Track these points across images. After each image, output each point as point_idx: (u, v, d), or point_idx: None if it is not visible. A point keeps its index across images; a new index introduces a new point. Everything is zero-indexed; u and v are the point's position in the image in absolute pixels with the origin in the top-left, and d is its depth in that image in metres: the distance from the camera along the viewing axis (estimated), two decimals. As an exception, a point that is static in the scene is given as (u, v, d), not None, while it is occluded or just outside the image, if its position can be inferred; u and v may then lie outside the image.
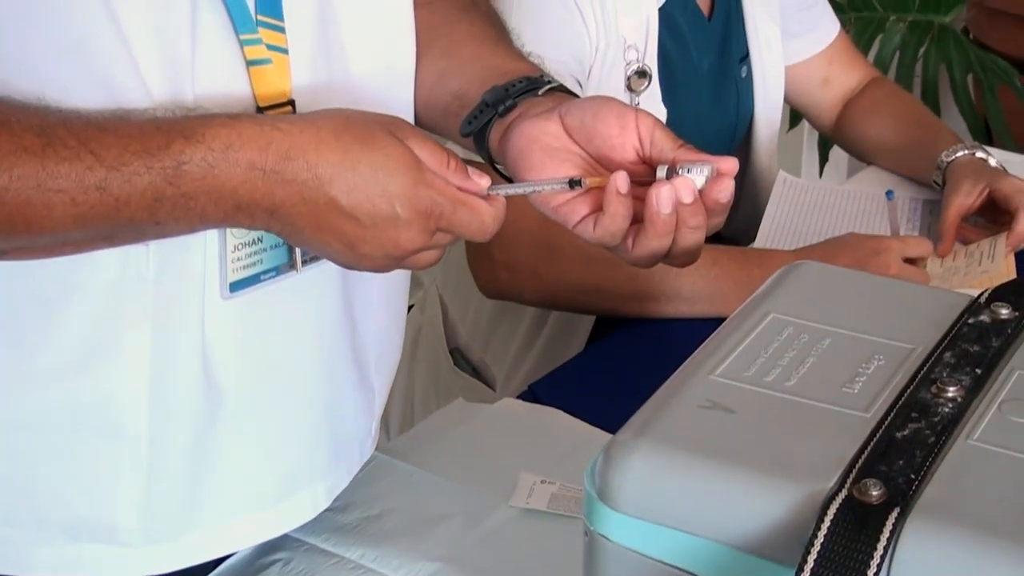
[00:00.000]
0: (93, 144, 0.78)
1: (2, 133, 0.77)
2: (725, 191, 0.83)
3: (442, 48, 1.01)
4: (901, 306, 0.82)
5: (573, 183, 0.85)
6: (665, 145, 0.86)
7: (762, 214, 1.66)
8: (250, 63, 0.88)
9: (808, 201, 1.67)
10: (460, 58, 0.98)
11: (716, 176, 0.83)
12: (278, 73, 0.90)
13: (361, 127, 0.82)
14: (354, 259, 0.85)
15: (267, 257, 0.93)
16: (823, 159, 2.71)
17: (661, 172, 0.83)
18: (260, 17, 0.88)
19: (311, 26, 0.92)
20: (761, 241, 1.60)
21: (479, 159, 0.95)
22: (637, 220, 0.85)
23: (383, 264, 0.85)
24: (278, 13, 0.90)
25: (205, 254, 0.90)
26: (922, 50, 2.74)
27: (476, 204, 0.84)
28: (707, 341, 0.80)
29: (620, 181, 0.83)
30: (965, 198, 1.53)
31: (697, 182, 0.82)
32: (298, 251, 0.93)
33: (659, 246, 0.84)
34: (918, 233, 1.60)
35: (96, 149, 0.78)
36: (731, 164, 0.83)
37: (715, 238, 1.76)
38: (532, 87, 0.93)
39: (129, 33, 0.83)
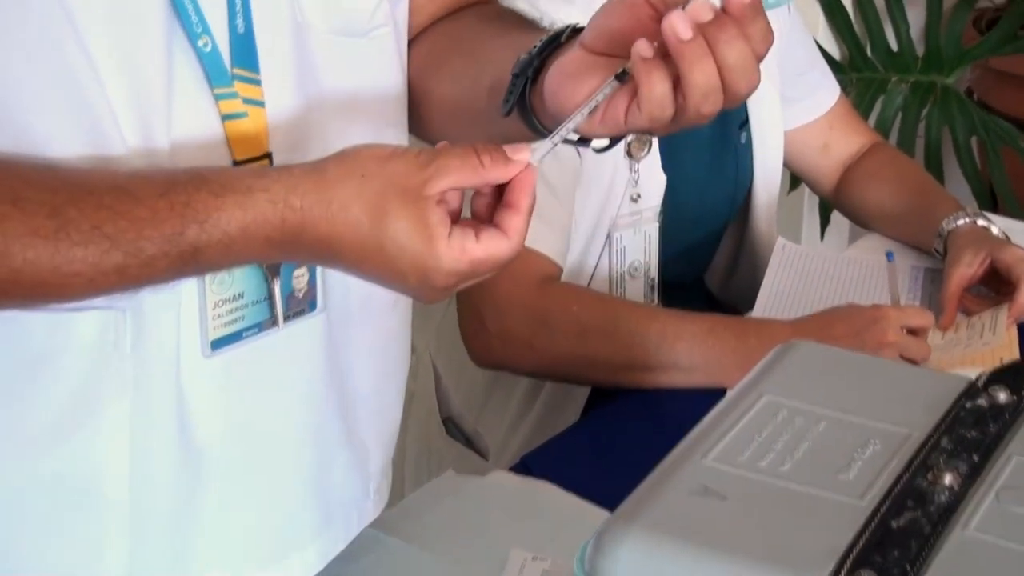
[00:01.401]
0: (108, 227, 0.79)
1: (13, 214, 0.78)
2: None
3: (470, 54, 1.01)
4: (897, 388, 0.83)
5: (619, 76, 0.81)
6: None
7: (761, 280, 1.67)
8: (225, 117, 0.90)
9: (808, 268, 1.68)
10: (489, 57, 0.97)
11: None
12: (254, 127, 0.91)
13: (374, 193, 0.81)
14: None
15: (249, 313, 0.94)
16: (824, 222, 2.72)
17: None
18: (236, 70, 0.90)
19: (290, 78, 0.93)
20: (760, 309, 1.61)
21: None
22: None
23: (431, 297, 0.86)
24: (254, 65, 0.91)
25: (185, 313, 0.91)
26: (925, 112, 2.76)
27: (495, 249, 0.82)
28: (700, 423, 0.80)
29: (640, 46, 0.79)
30: (966, 268, 1.54)
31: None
32: (280, 306, 0.94)
33: (704, 79, 0.78)
34: (919, 302, 1.60)
35: (111, 233, 0.79)
36: None
37: (712, 305, 1.81)
38: (553, 39, 0.89)
39: (107, 83, 0.84)
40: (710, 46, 0.77)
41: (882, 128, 2.74)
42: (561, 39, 0.89)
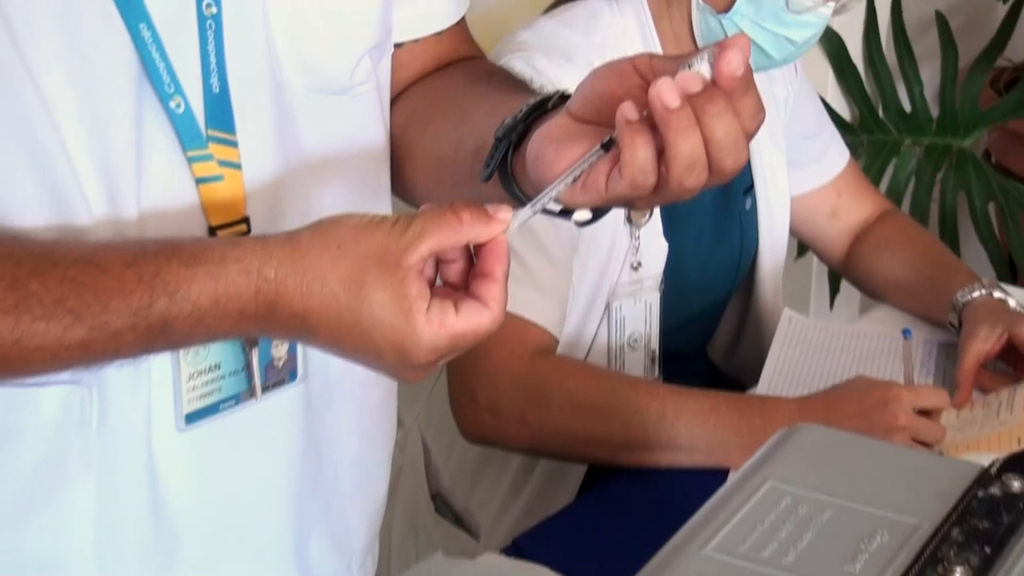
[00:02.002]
0: (71, 301, 0.79)
1: None
2: (733, 61, 0.77)
3: (455, 114, 1.02)
4: (907, 476, 0.83)
5: (605, 145, 0.82)
6: (667, 65, 0.81)
7: (766, 353, 1.67)
8: (200, 181, 0.90)
9: (816, 341, 1.68)
10: (475, 119, 0.97)
11: (720, 50, 0.78)
12: (230, 190, 0.91)
13: (350, 265, 0.81)
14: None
15: (226, 384, 0.94)
16: (834, 290, 2.72)
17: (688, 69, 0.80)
18: (211, 132, 0.90)
19: (268, 138, 0.94)
20: (764, 385, 1.61)
21: None
22: None
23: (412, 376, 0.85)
24: (230, 126, 0.91)
25: (157, 387, 0.91)
26: (939, 175, 2.77)
27: (476, 322, 0.82)
28: (700, 510, 0.80)
29: (626, 109, 0.79)
30: (983, 344, 1.54)
31: (702, 71, 0.78)
32: (258, 377, 0.94)
33: (689, 150, 0.78)
34: (932, 379, 1.61)
35: (75, 307, 0.79)
36: (736, 39, 0.78)
37: (715, 378, 1.81)
38: (539, 105, 0.90)
39: (71, 148, 0.84)
40: (698, 118, 0.78)
41: (895, 192, 2.75)
42: (548, 105, 0.89)
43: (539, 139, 0.85)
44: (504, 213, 0.82)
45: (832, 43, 2.64)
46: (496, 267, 0.82)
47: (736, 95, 0.78)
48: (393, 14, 1.03)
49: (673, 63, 0.79)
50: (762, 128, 1.36)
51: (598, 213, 0.87)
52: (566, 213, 0.87)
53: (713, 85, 0.78)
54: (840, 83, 2.74)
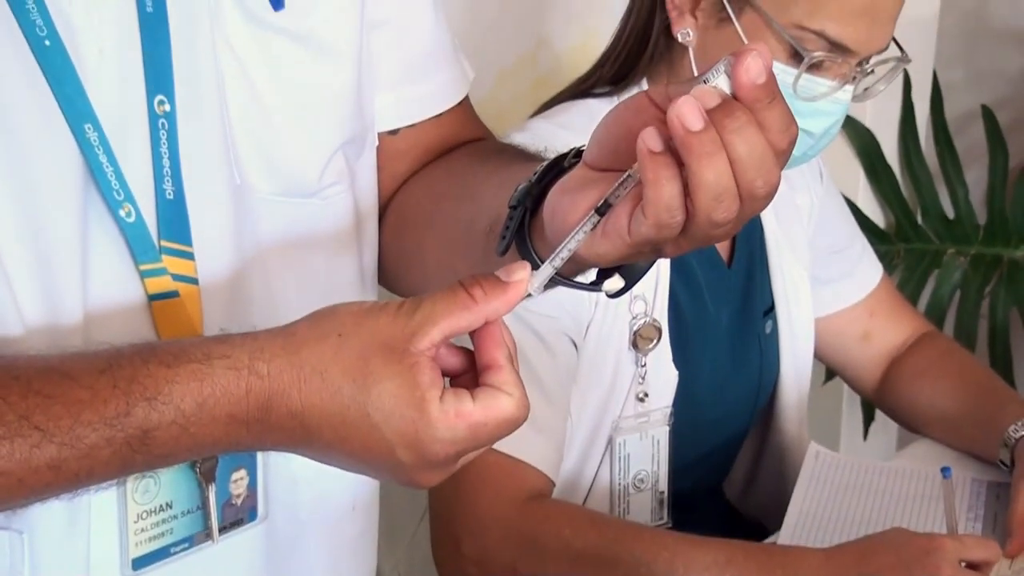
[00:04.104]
0: (37, 417, 0.79)
1: None
2: (752, 68, 0.76)
3: (465, 195, 1.04)
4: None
5: (598, 210, 0.82)
6: (684, 89, 0.79)
7: (789, 493, 1.67)
8: (152, 297, 0.92)
9: (846, 481, 1.69)
10: (486, 195, 0.99)
11: (736, 59, 0.77)
12: (185, 308, 0.93)
13: (353, 354, 0.82)
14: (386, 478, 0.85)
15: (178, 526, 0.95)
16: (868, 419, 2.72)
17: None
18: (164, 243, 0.92)
19: (227, 249, 0.96)
20: (788, 530, 1.61)
21: None
22: None
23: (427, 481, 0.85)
24: (186, 237, 0.93)
25: (99, 530, 0.92)
26: (988, 289, 2.77)
27: (497, 408, 0.82)
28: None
29: (647, 136, 0.78)
30: None
31: (720, 85, 0.78)
32: (215, 517, 0.95)
33: (715, 177, 0.77)
34: (981, 524, 1.61)
35: (42, 423, 0.79)
36: (754, 45, 0.77)
37: (733, 521, 1.80)
38: (554, 165, 0.90)
39: (6, 261, 0.86)
40: (720, 136, 0.76)
41: (937, 308, 2.77)
42: (564, 163, 0.90)
43: (554, 194, 0.86)
44: (519, 273, 0.83)
45: (863, 140, 2.66)
46: (497, 354, 0.83)
47: (759, 107, 0.77)
48: (374, 103, 1.07)
49: (689, 86, 0.78)
50: (783, 243, 1.38)
51: (630, 281, 0.88)
52: (595, 284, 0.88)
53: (732, 98, 0.77)
54: (873, 185, 2.74)
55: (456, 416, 0.81)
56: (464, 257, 1.00)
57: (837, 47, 1.49)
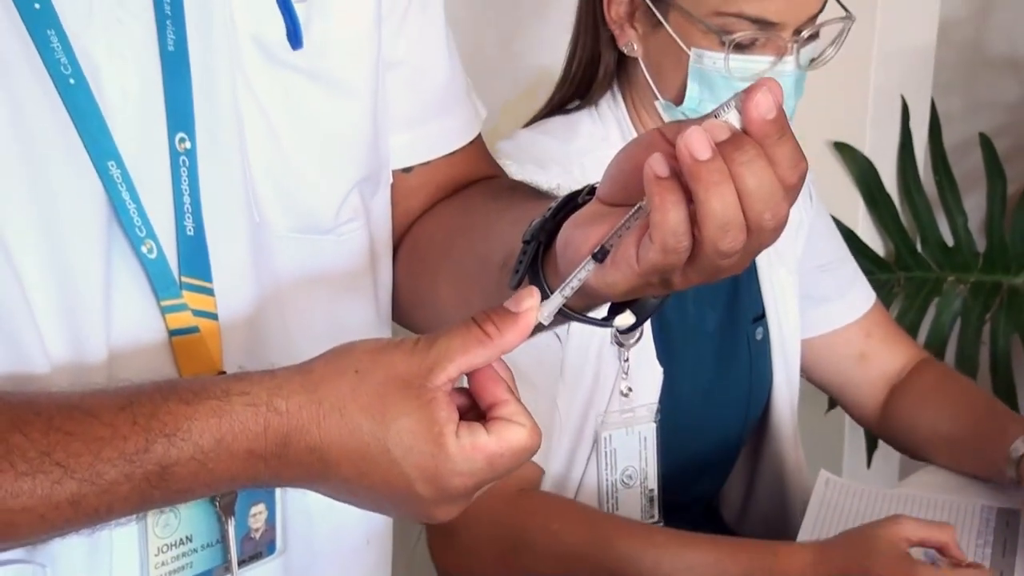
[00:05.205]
0: (58, 454, 0.80)
1: None
2: (762, 103, 0.78)
3: (479, 232, 1.05)
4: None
5: (596, 256, 0.84)
6: (695, 125, 0.81)
7: (784, 513, 1.70)
8: (173, 333, 0.93)
9: (855, 508, 1.69)
10: (500, 231, 1.00)
11: (747, 95, 0.79)
12: (206, 343, 0.94)
13: (371, 391, 0.83)
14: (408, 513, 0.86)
15: (198, 559, 0.96)
16: (871, 447, 2.73)
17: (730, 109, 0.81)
18: (185, 279, 0.94)
19: (246, 285, 0.97)
20: None
21: None
22: None
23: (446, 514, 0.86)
24: (206, 273, 0.95)
25: (120, 563, 0.93)
26: (989, 316, 2.78)
27: (511, 439, 0.84)
28: None
29: (655, 162, 0.80)
30: None
31: (730, 120, 0.80)
32: (234, 552, 0.96)
33: (722, 207, 0.78)
34: (991, 550, 1.60)
35: (63, 460, 0.80)
36: (764, 81, 0.79)
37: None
38: (570, 200, 0.92)
39: (30, 291, 0.87)
40: (729, 167, 0.78)
41: (938, 336, 2.78)
42: (578, 199, 0.92)
43: (567, 229, 0.88)
44: (528, 300, 0.84)
45: (862, 169, 2.68)
46: (497, 390, 0.85)
47: (769, 142, 0.79)
48: (389, 141, 1.09)
49: (702, 120, 0.80)
50: (772, 253, 1.38)
51: (641, 317, 0.90)
52: (607, 320, 0.89)
53: (743, 132, 0.79)
54: (872, 214, 2.76)
55: (473, 449, 0.82)
56: (478, 292, 1.01)
57: (762, 23, 1.54)
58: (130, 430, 0.82)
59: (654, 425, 1.64)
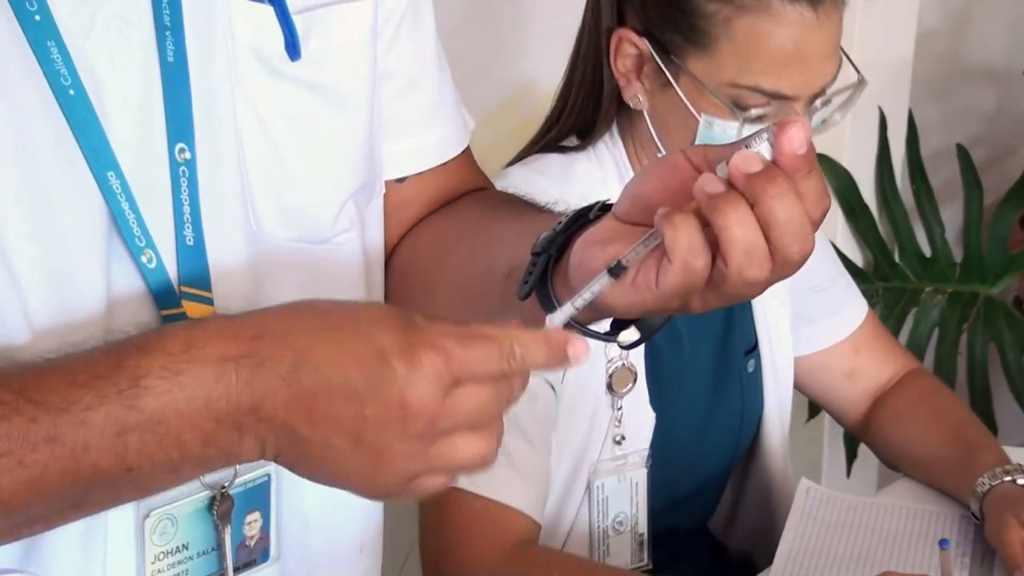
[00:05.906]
0: (32, 392, 0.80)
1: None
2: (796, 138, 0.80)
3: (479, 241, 1.07)
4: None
5: (612, 271, 0.85)
6: (722, 152, 0.84)
7: (772, 528, 1.70)
8: None
9: (836, 517, 1.70)
10: (505, 242, 1.01)
11: (780, 129, 0.81)
12: None
13: (337, 300, 0.85)
14: (366, 462, 0.82)
15: (194, 567, 0.97)
16: (851, 455, 2.74)
17: (721, 172, 0.82)
18: (184, 288, 0.95)
19: (244, 293, 0.98)
20: (779, 568, 1.62)
21: None
22: None
23: (405, 463, 0.82)
24: (205, 282, 0.96)
25: (112, 571, 0.94)
26: (966, 326, 2.80)
27: (488, 332, 0.83)
28: None
29: (662, 212, 0.82)
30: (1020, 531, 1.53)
31: (762, 151, 0.81)
32: (230, 559, 0.97)
33: (743, 233, 0.80)
34: (970, 560, 1.61)
35: (36, 396, 0.80)
36: (796, 118, 0.81)
37: (720, 558, 1.81)
38: (581, 215, 0.93)
39: (29, 302, 0.88)
40: (757, 199, 0.80)
41: (916, 346, 2.79)
42: (590, 215, 0.93)
43: (582, 245, 0.89)
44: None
45: (841, 180, 2.70)
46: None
47: (799, 176, 0.81)
48: (383, 151, 1.10)
49: (728, 149, 0.82)
50: None
51: (645, 333, 0.91)
52: (611, 335, 0.90)
53: (773, 165, 0.81)
54: (850, 224, 2.78)
55: (442, 336, 0.81)
56: (483, 300, 1.03)
57: (777, 96, 1.51)
58: (104, 355, 0.82)
59: (645, 471, 1.64)
